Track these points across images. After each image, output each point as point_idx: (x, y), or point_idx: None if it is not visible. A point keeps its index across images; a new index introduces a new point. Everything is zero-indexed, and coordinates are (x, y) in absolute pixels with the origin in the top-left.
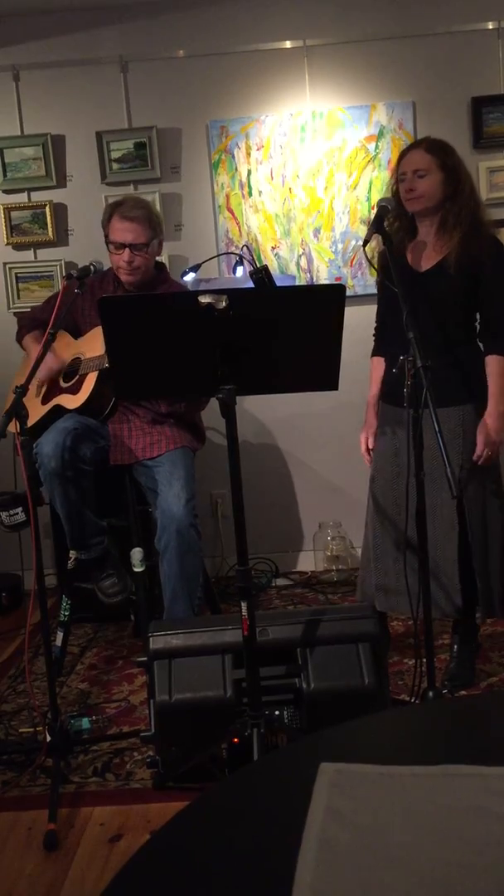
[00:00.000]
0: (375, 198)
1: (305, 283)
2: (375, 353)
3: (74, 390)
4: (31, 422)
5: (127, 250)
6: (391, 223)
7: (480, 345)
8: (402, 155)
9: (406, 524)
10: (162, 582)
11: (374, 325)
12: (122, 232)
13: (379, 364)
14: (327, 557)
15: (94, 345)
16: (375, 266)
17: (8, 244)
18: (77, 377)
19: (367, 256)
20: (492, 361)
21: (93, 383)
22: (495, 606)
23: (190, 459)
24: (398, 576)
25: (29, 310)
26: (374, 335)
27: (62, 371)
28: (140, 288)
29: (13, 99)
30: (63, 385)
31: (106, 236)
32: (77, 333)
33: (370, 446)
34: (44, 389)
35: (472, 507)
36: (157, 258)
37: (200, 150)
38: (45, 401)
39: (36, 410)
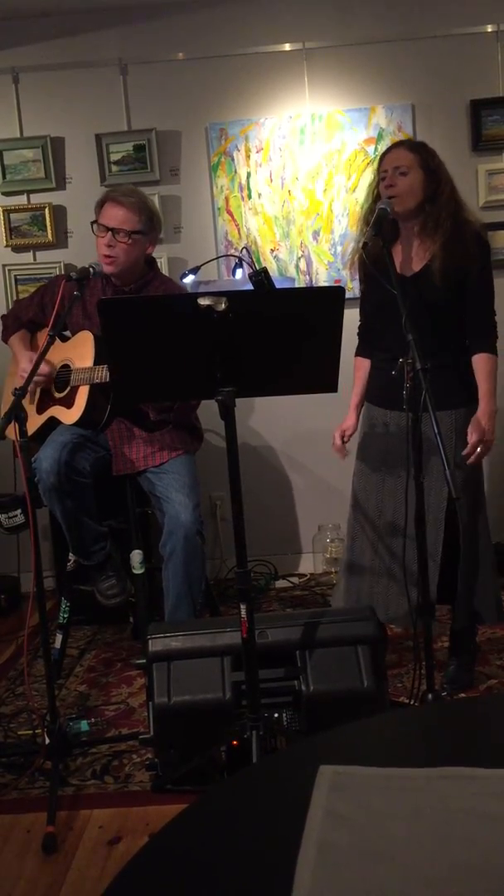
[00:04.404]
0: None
1: (304, 286)
2: (360, 353)
3: (68, 403)
4: (28, 430)
5: (109, 234)
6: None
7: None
8: (385, 154)
9: (393, 526)
10: (164, 587)
11: (359, 323)
12: (108, 216)
13: (363, 364)
14: (326, 560)
15: (82, 352)
16: (364, 261)
17: (7, 246)
18: (69, 389)
19: (365, 259)
20: (480, 360)
21: (85, 398)
22: (481, 613)
23: (193, 465)
24: (371, 575)
25: (13, 305)
26: (358, 333)
27: (52, 375)
28: (128, 283)
29: (13, 101)
30: (56, 395)
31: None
32: (62, 328)
33: (346, 440)
34: (37, 397)
35: (461, 510)
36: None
37: (200, 152)
38: (39, 410)
39: (32, 419)
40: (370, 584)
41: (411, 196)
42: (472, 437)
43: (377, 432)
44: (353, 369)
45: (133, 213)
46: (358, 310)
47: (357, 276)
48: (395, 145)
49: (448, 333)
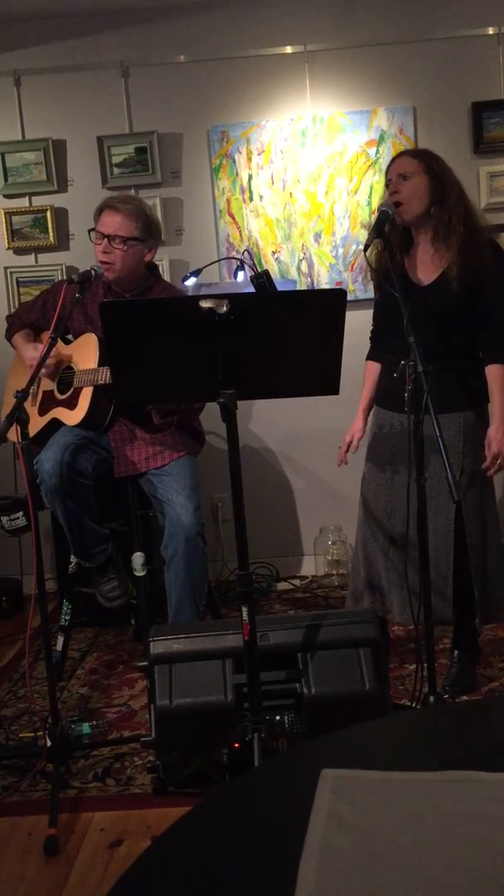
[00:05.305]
0: (376, 202)
1: (306, 288)
2: (371, 356)
3: (71, 405)
4: (30, 432)
5: (105, 241)
6: (387, 234)
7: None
8: (389, 164)
9: (404, 529)
10: (167, 590)
11: (371, 327)
12: (104, 223)
13: (373, 367)
14: (328, 562)
15: (85, 354)
16: (373, 269)
17: (9, 249)
18: (72, 390)
19: (368, 261)
20: (494, 370)
21: (88, 399)
22: (495, 611)
23: (195, 467)
24: (387, 578)
25: (17, 307)
26: (370, 338)
27: (61, 367)
28: (128, 289)
29: (14, 103)
30: (58, 397)
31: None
32: (65, 332)
33: (355, 447)
34: (39, 399)
35: (469, 513)
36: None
37: (201, 154)
38: (41, 412)
39: (34, 421)
40: (384, 584)
41: (417, 200)
42: (489, 452)
43: (385, 435)
44: (364, 371)
45: (129, 219)
46: (360, 312)
47: (359, 279)
48: (399, 155)
49: (461, 341)
